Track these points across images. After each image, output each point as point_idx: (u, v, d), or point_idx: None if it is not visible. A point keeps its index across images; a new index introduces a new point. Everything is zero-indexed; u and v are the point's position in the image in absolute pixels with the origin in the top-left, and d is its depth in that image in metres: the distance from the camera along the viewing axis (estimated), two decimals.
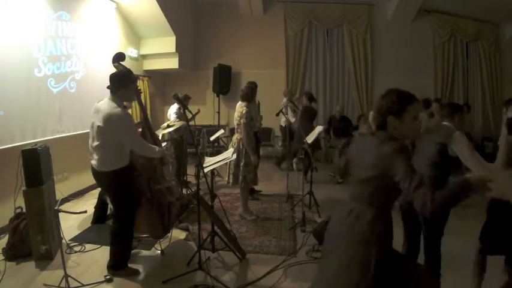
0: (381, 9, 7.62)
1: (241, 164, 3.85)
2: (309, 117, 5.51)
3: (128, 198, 2.69)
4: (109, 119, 2.44)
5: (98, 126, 2.50)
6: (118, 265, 2.72)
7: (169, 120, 4.87)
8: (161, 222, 2.97)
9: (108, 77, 2.58)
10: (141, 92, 3.13)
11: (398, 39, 7.63)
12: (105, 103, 2.54)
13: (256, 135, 4.73)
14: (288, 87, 7.33)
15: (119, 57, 2.90)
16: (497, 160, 2.30)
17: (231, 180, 3.92)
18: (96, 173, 2.64)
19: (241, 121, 3.79)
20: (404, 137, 1.54)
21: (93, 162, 2.62)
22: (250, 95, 3.98)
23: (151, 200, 2.88)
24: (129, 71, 2.72)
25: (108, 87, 2.57)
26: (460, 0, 7.12)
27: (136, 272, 2.78)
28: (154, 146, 2.79)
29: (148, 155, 2.76)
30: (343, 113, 6.99)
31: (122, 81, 2.58)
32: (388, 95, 1.55)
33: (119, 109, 2.48)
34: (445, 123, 2.35)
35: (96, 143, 2.55)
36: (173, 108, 5.17)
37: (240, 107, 3.93)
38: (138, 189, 2.83)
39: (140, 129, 2.97)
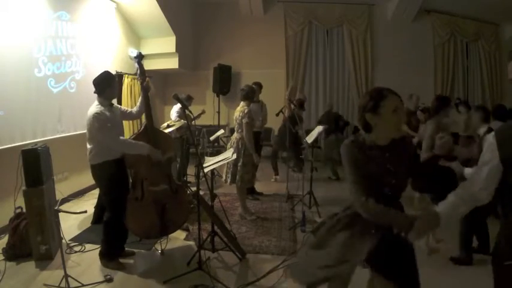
0: (380, 9, 7.61)
1: (239, 163, 3.86)
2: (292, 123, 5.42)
3: (116, 192, 2.77)
4: (87, 118, 2.68)
5: (86, 125, 2.73)
6: (106, 255, 2.83)
7: (171, 119, 4.88)
8: (158, 224, 2.94)
9: (92, 83, 2.76)
10: (149, 89, 3.17)
11: (398, 39, 7.62)
12: (92, 105, 2.74)
13: (259, 135, 4.71)
14: (287, 92, 7.40)
15: (142, 56, 3.17)
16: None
17: (228, 180, 3.94)
18: (90, 167, 2.76)
19: (243, 120, 3.81)
20: (389, 133, 1.52)
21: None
22: (251, 94, 3.99)
23: (140, 200, 2.88)
24: (108, 72, 2.88)
25: (94, 92, 2.74)
26: (460, 0, 7.12)
27: (123, 267, 2.83)
28: (139, 142, 2.80)
29: (131, 151, 2.78)
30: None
31: (107, 82, 2.77)
32: (365, 94, 1.59)
33: (94, 108, 2.68)
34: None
35: (87, 138, 2.74)
36: (175, 108, 5.17)
37: (241, 106, 3.95)
38: (131, 185, 2.91)
39: (143, 128, 2.98)
